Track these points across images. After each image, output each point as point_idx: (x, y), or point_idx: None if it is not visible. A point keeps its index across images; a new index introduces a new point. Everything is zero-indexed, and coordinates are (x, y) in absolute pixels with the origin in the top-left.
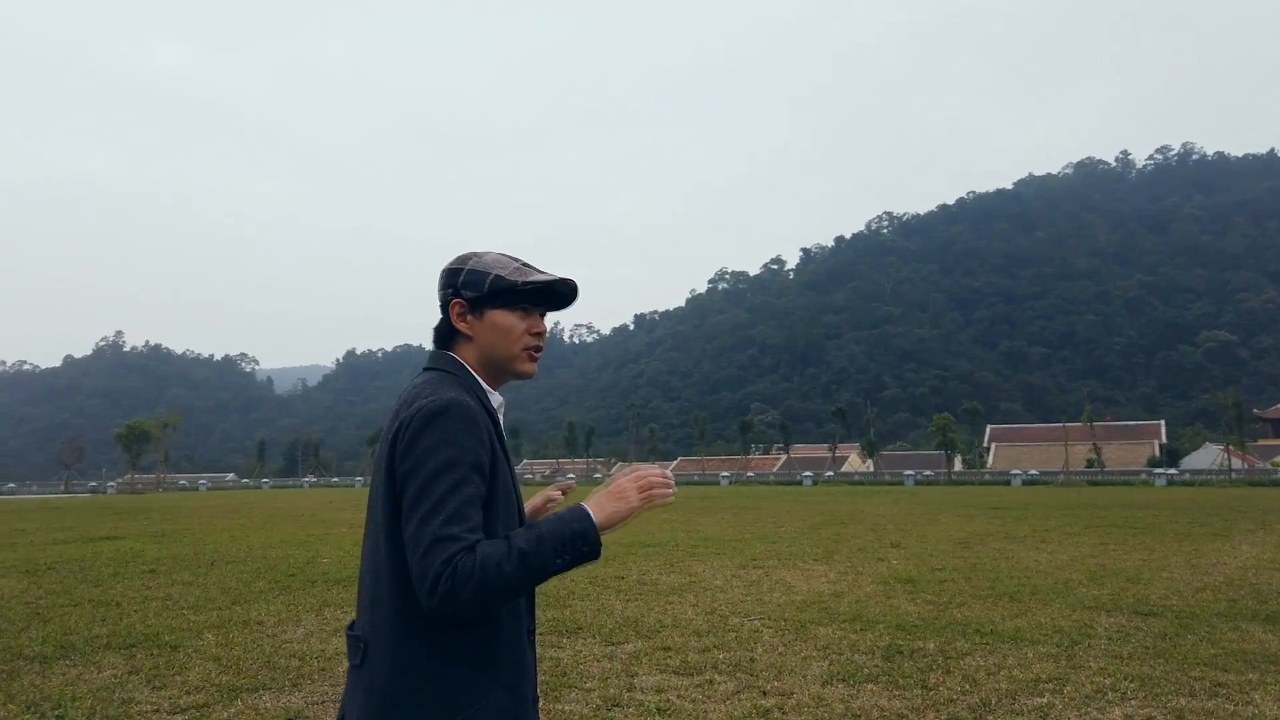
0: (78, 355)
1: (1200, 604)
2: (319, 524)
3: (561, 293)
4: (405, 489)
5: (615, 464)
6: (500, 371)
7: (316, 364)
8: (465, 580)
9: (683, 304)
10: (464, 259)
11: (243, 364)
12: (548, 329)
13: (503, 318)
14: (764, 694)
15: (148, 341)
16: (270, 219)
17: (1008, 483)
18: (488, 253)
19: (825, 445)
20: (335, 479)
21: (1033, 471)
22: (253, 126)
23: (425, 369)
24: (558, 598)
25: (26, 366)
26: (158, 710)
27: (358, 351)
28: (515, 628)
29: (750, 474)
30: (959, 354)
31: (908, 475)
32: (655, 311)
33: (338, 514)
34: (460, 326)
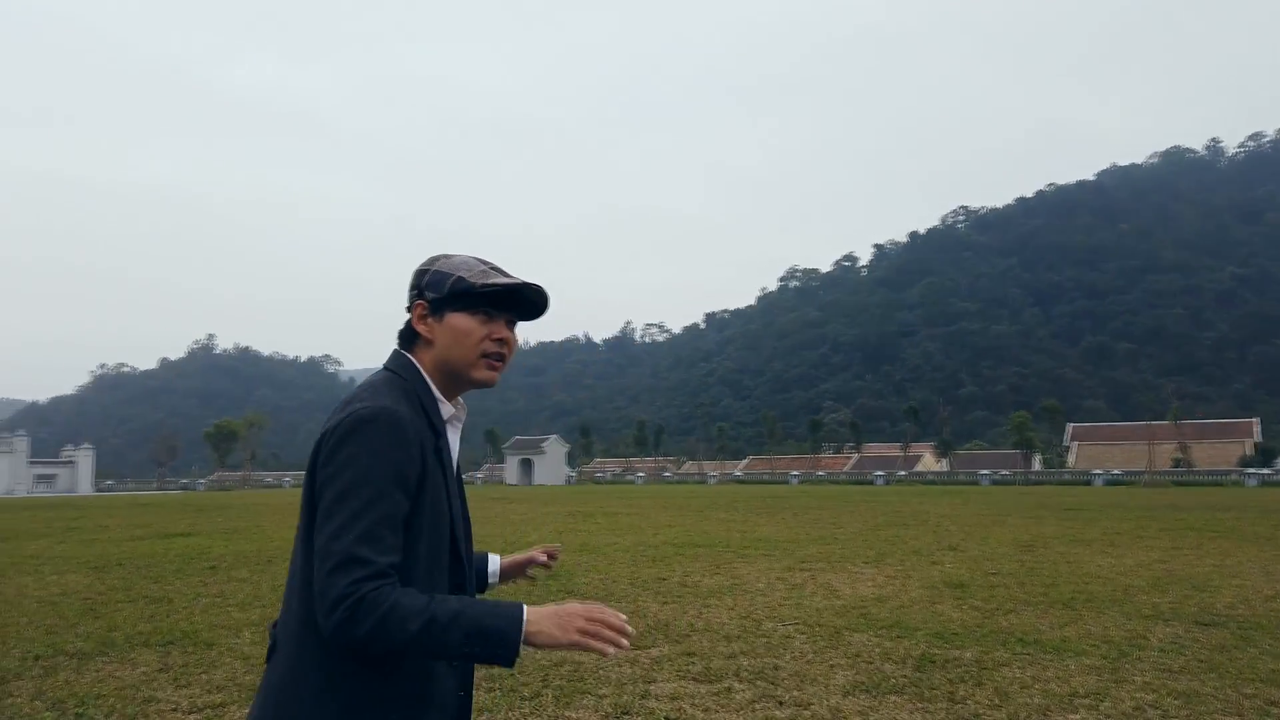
0: (173, 357)
1: (1269, 614)
2: None
3: (532, 301)
4: (321, 497)
5: (685, 462)
6: (456, 378)
7: None
8: (365, 616)
9: (753, 302)
10: (433, 259)
11: (326, 365)
12: (516, 338)
13: (461, 321)
14: (780, 704)
15: (237, 344)
16: (351, 222)
17: (1088, 483)
18: (458, 254)
19: (898, 444)
20: None
21: (1116, 471)
22: (335, 133)
23: (383, 369)
24: (593, 598)
25: (126, 368)
26: (175, 709)
27: None
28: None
29: (821, 473)
30: (1039, 350)
31: (983, 475)
32: (726, 310)
33: None
34: (420, 328)
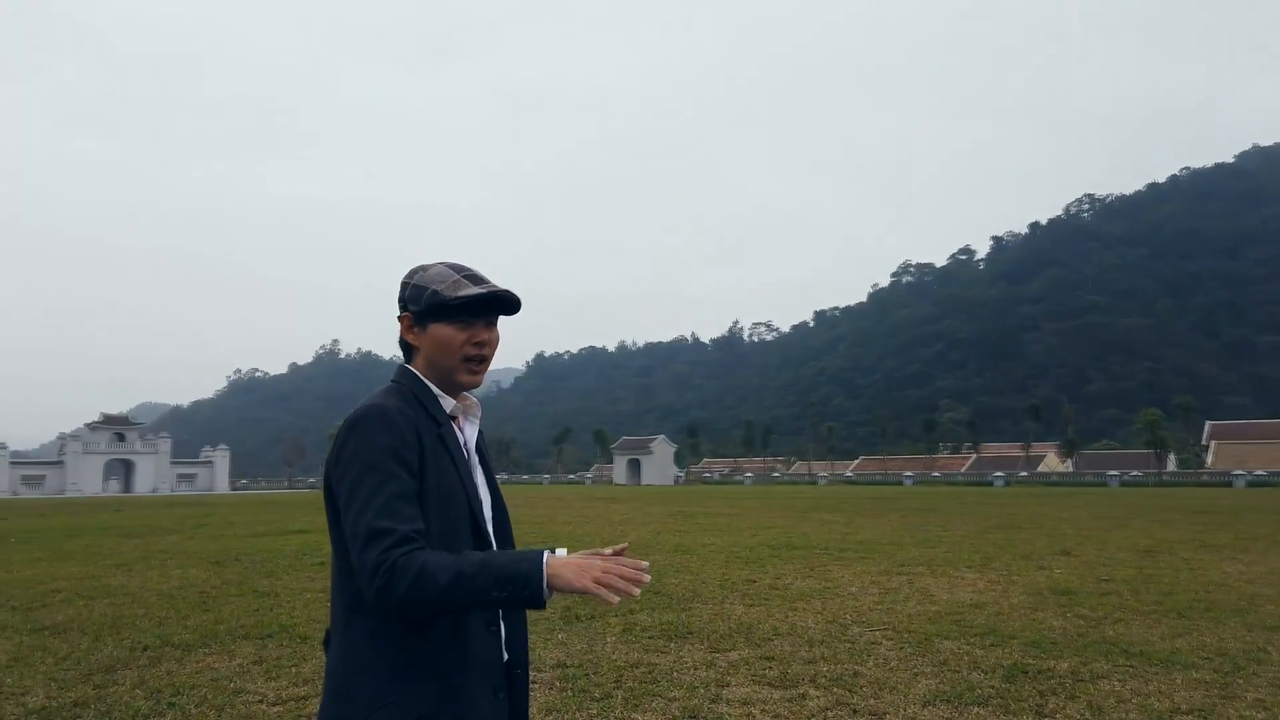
0: (301, 362)
1: None
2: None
3: (505, 301)
4: (339, 494)
5: (794, 463)
6: (446, 382)
7: (509, 367)
8: (400, 578)
9: (864, 299)
10: (411, 273)
11: None
12: (497, 335)
13: (442, 331)
14: (854, 712)
15: (359, 349)
16: (468, 229)
17: (1229, 484)
18: (434, 265)
19: (1019, 444)
20: (525, 476)
21: (1259, 472)
22: (452, 142)
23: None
24: (680, 599)
25: (258, 373)
26: (261, 700)
27: (546, 354)
28: (461, 621)
29: (936, 474)
30: (1174, 344)
31: (1111, 476)
32: (836, 307)
33: (513, 510)
34: (409, 339)
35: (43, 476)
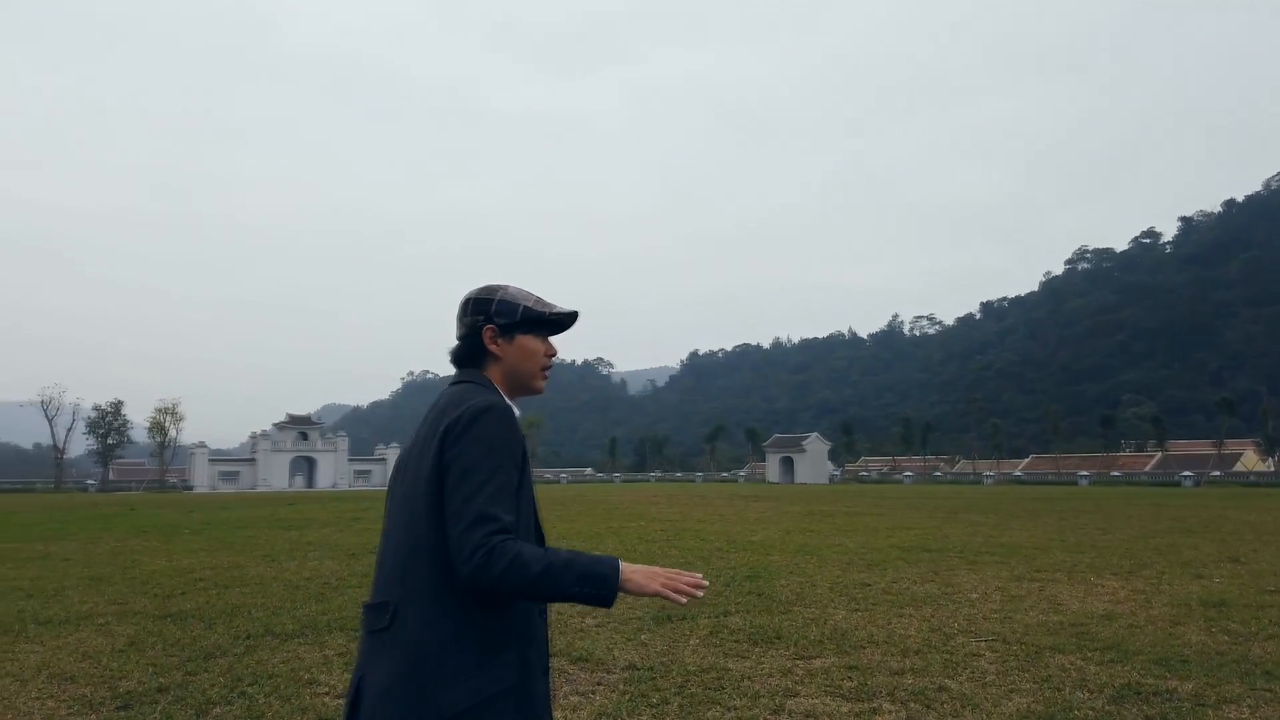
0: None
1: None
2: (623, 517)
3: (568, 324)
4: (450, 472)
5: (958, 461)
6: (520, 387)
7: (663, 365)
8: (498, 561)
9: (1035, 288)
10: (493, 290)
11: (600, 368)
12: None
13: (530, 342)
14: None
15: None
16: (620, 229)
17: None
18: (510, 286)
19: (1211, 441)
20: (679, 474)
21: None
22: (603, 145)
23: (457, 383)
24: (782, 602)
25: (430, 375)
26: (328, 693)
27: (700, 353)
28: (529, 605)
29: (1115, 473)
30: None
31: None
32: (1004, 298)
33: (652, 508)
34: (492, 348)
35: (237, 472)
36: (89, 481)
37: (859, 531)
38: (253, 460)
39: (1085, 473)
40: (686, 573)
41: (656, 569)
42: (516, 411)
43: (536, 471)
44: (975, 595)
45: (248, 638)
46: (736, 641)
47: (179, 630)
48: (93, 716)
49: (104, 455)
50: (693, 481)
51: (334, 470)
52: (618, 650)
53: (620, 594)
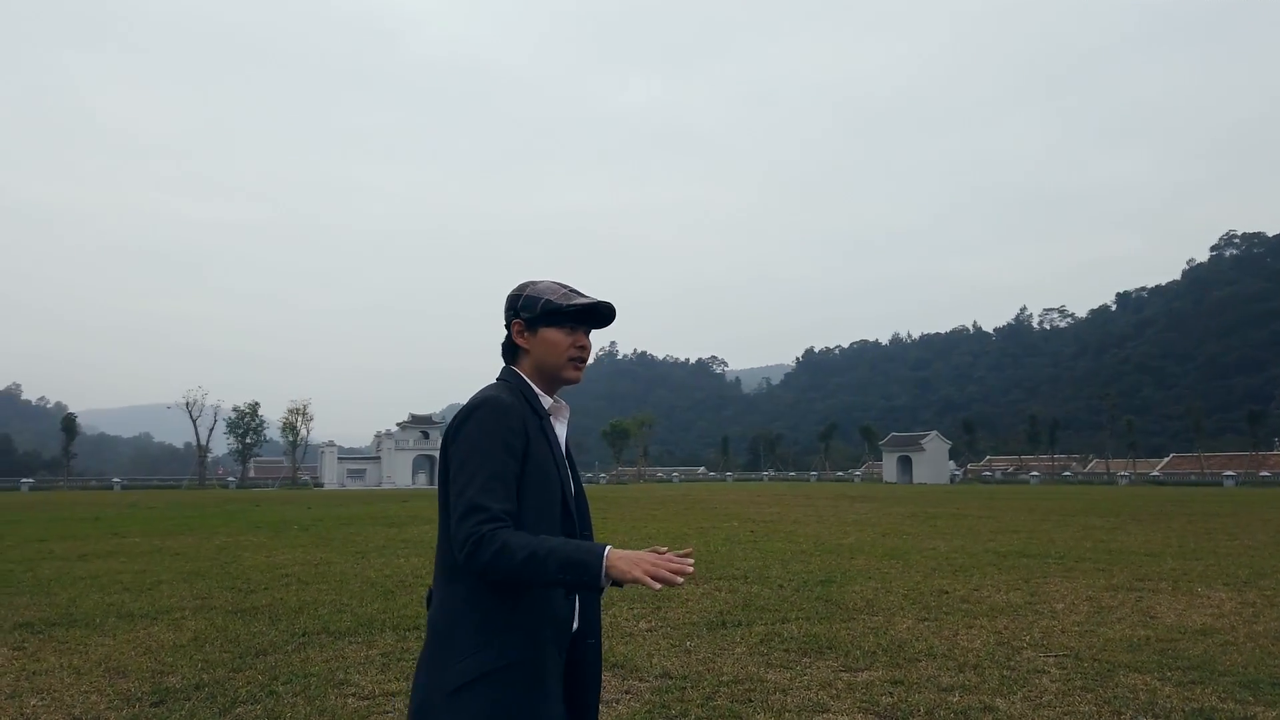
0: None
1: None
2: (717, 517)
3: (603, 313)
4: (451, 468)
5: (1091, 460)
6: (552, 379)
7: (779, 363)
8: (485, 549)
9: (1177, 277)
10: (523, 286)
11: (714, 366)
12: (591, 344)
13: (552, 334)
14: None
15: (635, 349)
16: (727, 227)
17: None
18: (542, 281)
19: None
20: (792, 473)
21: None
22: (711, 144)
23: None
24: (846, 610)
25: None
26: (355, 694)
27: (816, 350)
28: (546, 590)
29: (1265, 474)
30: None
31: None
32: (1142, 288)
33: (751, 508)
34: (520, 342)
35: (364, 470)
36: (229, 478)
37: (958, 535)
38: (378, 458)
39: (1231, 473)
40: (674, 557)
41: (643, 554)
42: (550, 403)
43: (648, 470)
44: (1061, 605)
45: (303, 635)
46: (785, 650)
47: (243, 626)
48: (127, 711)
49: (242, 454)
50: (806, 481)
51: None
52: (658, 657)
53: (607, 579)
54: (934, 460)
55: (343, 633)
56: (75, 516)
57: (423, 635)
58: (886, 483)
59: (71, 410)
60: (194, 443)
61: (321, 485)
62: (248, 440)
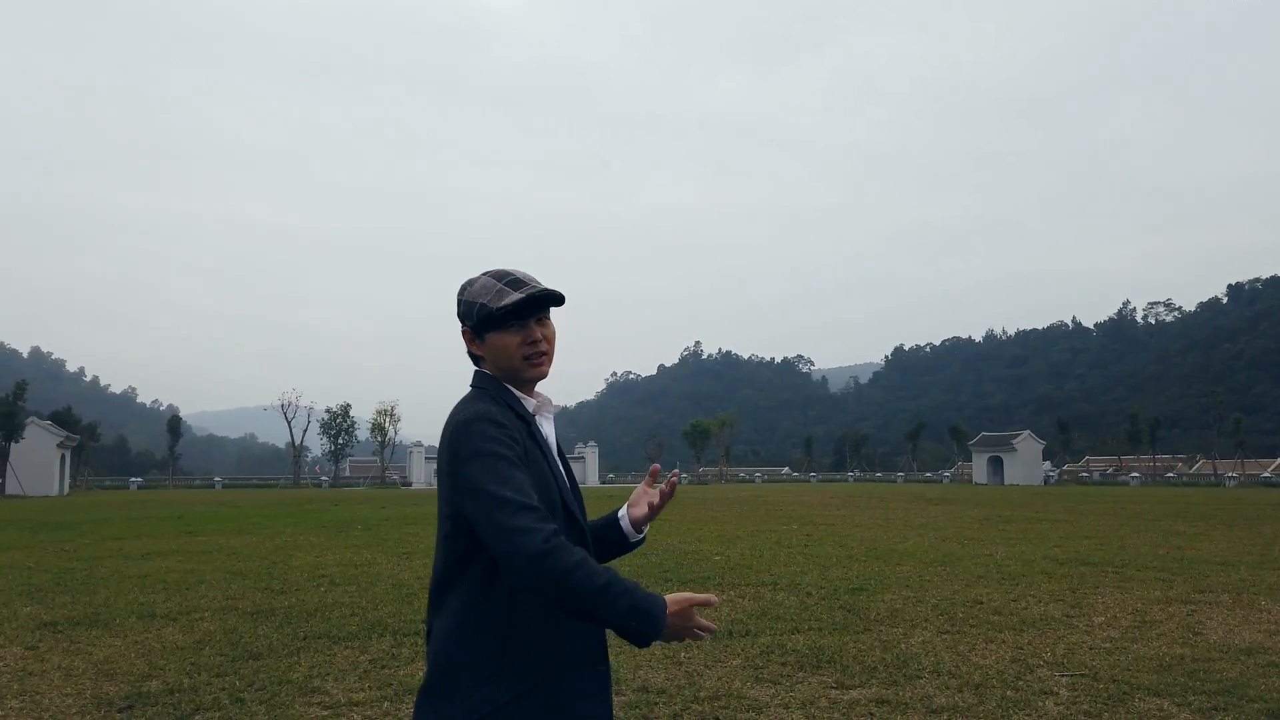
0: (668, 364)
1: None
2: (776, 519)
3: (549, 297)
4: (463, 483)
5: (1198, 461)
6: (516, 380)
7: (867, 361)
8: (562, 558)
9: None
10: (462, 288)
11: (799, 365)
12: (551, 327)
13: (497, 339)
14: None
15: (720, 349)
16: (818, 223)
17: None
18: (479, 278)
19: None
20: (878, 474)
21: None
22: (799, 139)
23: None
24: (866, 621)
25: (631, 376)
26: (321, 704)
27: (906, 347)
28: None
29: None
30: None
31: None
32: (1257, 279)
33: (819, 510)
34: (474, 350)
35: None
36: (323, 478)
37: (1023, 540)
38: None
39: None
40: (705, 623)
41: (685, 610)
42: (535, 404)
43: (730, 470)
44: (1101, 619)
45: (304, 639)
46: (783, 664)
47: (252, 629)
48: (93, 715)
49: (335, 454)
50: (893, 482)
51: None
52: (646, 669)
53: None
54: (1026, 461)
55: (343, 637)
56: (160, 515)
57: (418, 641)
58: (976, 484)
59: (182, 413)
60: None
61: (409, 484)
62: (340, 441)
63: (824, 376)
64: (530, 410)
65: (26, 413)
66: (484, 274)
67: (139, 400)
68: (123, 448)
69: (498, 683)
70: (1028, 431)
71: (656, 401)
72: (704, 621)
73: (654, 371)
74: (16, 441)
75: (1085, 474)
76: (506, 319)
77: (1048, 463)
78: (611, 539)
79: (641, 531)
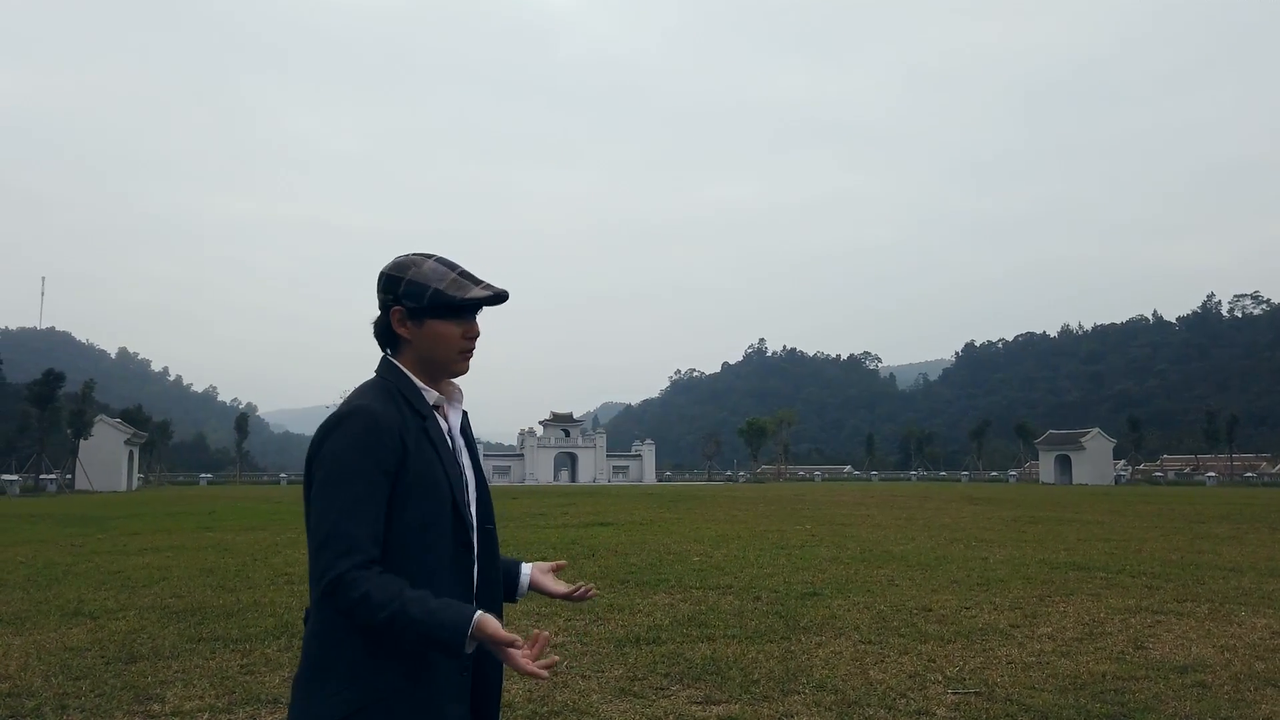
0: (732, 361)
1: None
2: (799, 519)
3: (498, 299)
4: (310, 489)
5: None
6: (438, 371)
7: (937, 358)
8: (343, 595)
9: None
10: (403, 267)
11: (866, 362)
12: (479, 330)
13: (441, 327)
14: None
15: (785, 346)
16: (880, 218)
17: None
18: (426, 261)
19: None
20: (943, 473)
21: None
22: (864, 133)
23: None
24: (790, 629)
25: (695, 373)
26: (146, 713)
27: (977, 344)
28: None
29: None
30: None
31: None
32: None
33: (853, 510)
34: (400, 331)
35: (509, 467)
36: None
37: (1035, 543)
38: (521, 455)
39: None
40: (529, 666)
41: (509, 643)
42: (436, 396)
43: (789, 469)
44: (1046, 630)
45: (201, 640)
46: (664, 676)
47: (160, 628)
48: None
49: None
50: (956, 482)
51: (594, 466)
52: (513, 678)
53: (472, 644)
54: (1096, 460)
55: (241, 639)
56: (194, 511)
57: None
58: (1043, 484)
59: (261, 410)
60: None
61: None
62: None
63: (892, 374)
64: (431, 403)
65: (97, 410)
66: (422, 255)
67: (219, 399)
68: (201, 444)
69: (359, 684)
70: (1097, 430)
71: (720, 399)
72: (525, 664)
73: (718, 369)
74: (85, 438)
75: (1159, 474)
76: (459, 311)
77: (1120, 461)
78: (505, 582)
79: (525, 592)
